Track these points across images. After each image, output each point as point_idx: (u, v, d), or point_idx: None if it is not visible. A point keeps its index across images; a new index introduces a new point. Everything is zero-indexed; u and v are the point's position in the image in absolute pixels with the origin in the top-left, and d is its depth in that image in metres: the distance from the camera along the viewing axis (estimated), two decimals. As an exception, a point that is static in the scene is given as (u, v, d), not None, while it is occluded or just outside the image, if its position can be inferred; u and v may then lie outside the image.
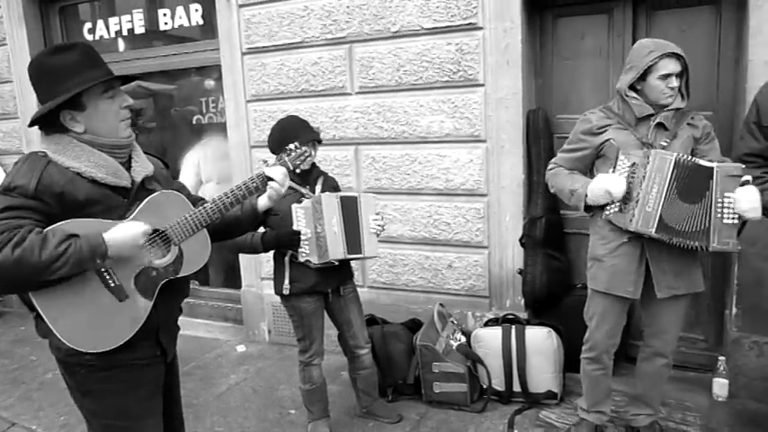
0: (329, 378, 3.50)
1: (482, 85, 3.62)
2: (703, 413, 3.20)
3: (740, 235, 2.45)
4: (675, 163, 2.37)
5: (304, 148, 2.23)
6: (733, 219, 2.36)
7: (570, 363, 3.27)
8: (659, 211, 2.40)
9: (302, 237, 2.82)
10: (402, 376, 3.55)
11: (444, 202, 3.85)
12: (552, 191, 2.79)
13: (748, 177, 2.36)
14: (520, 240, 3.66)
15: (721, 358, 3.34)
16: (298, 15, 4.06)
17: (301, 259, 2.86)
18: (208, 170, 4.93)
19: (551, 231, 3.63)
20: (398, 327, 3.66)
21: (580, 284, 3.60)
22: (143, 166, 1.95)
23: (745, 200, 2.32)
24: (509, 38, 3.52)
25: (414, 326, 3.67)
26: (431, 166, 3.84)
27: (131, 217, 1.83)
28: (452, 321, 3.69)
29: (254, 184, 2.06)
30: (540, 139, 3.62)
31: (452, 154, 3.77)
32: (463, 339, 3.54)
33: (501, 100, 3.58)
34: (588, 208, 2.60)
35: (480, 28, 3.58)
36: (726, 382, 3.30)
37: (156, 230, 1.86)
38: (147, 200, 1.87)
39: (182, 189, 2.08)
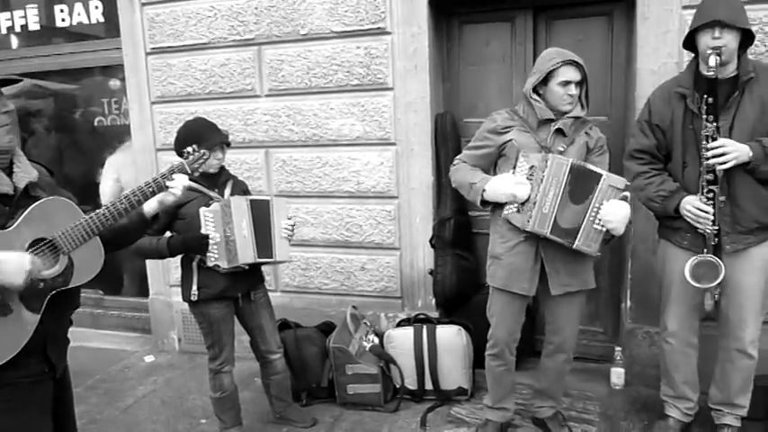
0: (242, 385, 3.45)
1: (391, 88, 3.68)
2: (602, 401, 3.38)
3: (608, 244, 2.60)
4: (571, 168, 2.50)
5: (202, 151, 2.19)
6: (601, 225, 2.49)
7: (480, 359, 3.35)
8: (554, 212, 2.52)
9: (211, 241, 2.76)
10: (316, 380, 3.54)
11: (356, 204, 3.88)
12: (454, 185, 2.86)
13: (627, 194, 2.51)
14: (430, 241, 3.74)
15: (618, 349, 3.54)
16: (204, 15, 3.97)
17: (210, 264, 2.80)
18: (128, 175, 4.71)
19: (460, 232, 3.73)
20: (312, 330, 3.64)
21: (487, 283, 3.70)
22: (26, 171, 1.84)
23: (611, 212, 2.46)
24: (417, 43, 3.58)
25: (327, 329, 3.67)
26: (342, 169, 3.86)
27: (15, 225, 1.73)
28: (365, 323, 3.71)
29: (151, 189, 1.99)
30: (448, 141, 3.71)
31: (363, 157, 3.80)
32: (376, 340, 3.57)
33: (410, 104, 3.65)
34: (485, 203, 2.68)
35: (389, 33, 3.63)
36: (622, 371, 3.50)
37: (42, 239, 1.77)
38: (31, 207, 1.77)
39: (71, 197, 1.98)
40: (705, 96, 2.48)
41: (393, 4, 3.60)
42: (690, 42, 2.61)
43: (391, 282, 3.89)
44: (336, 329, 3.53)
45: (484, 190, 2.64)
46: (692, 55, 2.65)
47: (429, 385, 3.44)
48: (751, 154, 2.46)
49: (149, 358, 4.38)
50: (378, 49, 3.67)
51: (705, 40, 2.48)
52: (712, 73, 2.43)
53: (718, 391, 2.86)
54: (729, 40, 2.45)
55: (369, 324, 3.73)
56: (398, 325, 3.58)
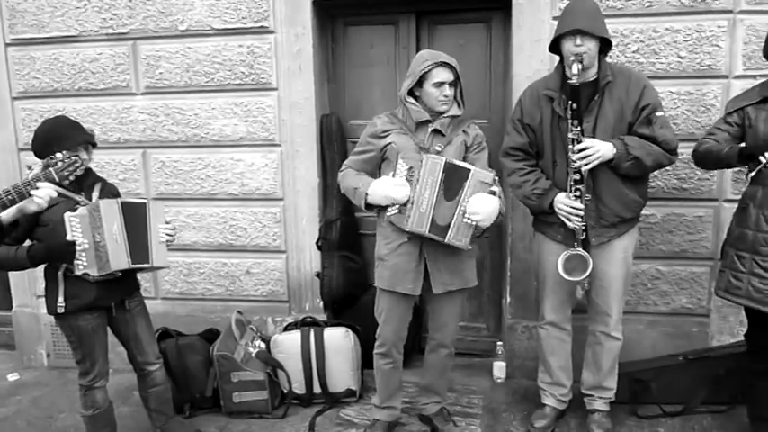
0: (120, 399, 3.26)
1: (275, 89, 3.61)
2: (486, 394, 3.50)
3: (480, 237, 2.69)
4: (445, 167, 2.55)
5: (73, 158, 2.03)
6: (470, 220, 2.57)
7: (368, 360, 3.37)
8: (432, 211, 2.57)
9: (78, 248, 2.57)
10: (200, 389, 3.40)
11: (240, 207, 3.78)
12: (342, 191, 2.87)
13: (495, 188, 2.60)
14: (316, 243, 3.71)
15: (499, 343, 3.69)
16: (72, 6, 3.72)
17: (78, 272, 2.60)
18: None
19: (347, 233, 3.73)
20: (194, 338, 3.50)
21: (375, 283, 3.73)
22: None
23: (478, 205, 2.53)
24: (301, 43, 3.55)
25: (211, 336, 3.53)
26: (225, 171, 3.74)
27: None
28: (251, 328, 3.62)
29: (10, 197, 1.82)
30: (334, 143, 3.70)
31: (247, 158, 3.71)
32: (263, 346, 3.49)
33: (294, 104, 3.60)
34: (369, 206, 2.70)
35: (272, 32, 3.57)
36: (503, 364, 3.65)
37: None
38: None
39: None
40: (570, 102, 2.64)
41: (276, 3, 3.54)
42: (555, 47, 2.76)
43: (278, 285, 3.82)
44: (221, 336, 3.41)
45: (367, 194, 2.66)
46: (559, 59, 2.81)
47: (317, 389, 3.41)
48: (614, 151, 2.65)
49: (13, 376, 4.02)
50: (261, 49, 3.59)
51: (568, 47, 2.63)
52: (575, 80, 2.59)
53: (590, 374, 3.06)
54: (590, 47, 2.62)
55: (255, 329, 3.63)
56: (285, 329, 3.53)
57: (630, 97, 2.70)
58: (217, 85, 3.66)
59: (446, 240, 2.58)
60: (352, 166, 2.82)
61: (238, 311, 3.63)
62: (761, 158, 2.48)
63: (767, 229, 2.57)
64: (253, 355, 3.41)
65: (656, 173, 3.26)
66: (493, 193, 2.59)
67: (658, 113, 2.71)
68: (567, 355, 3.08)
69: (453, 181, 2.57)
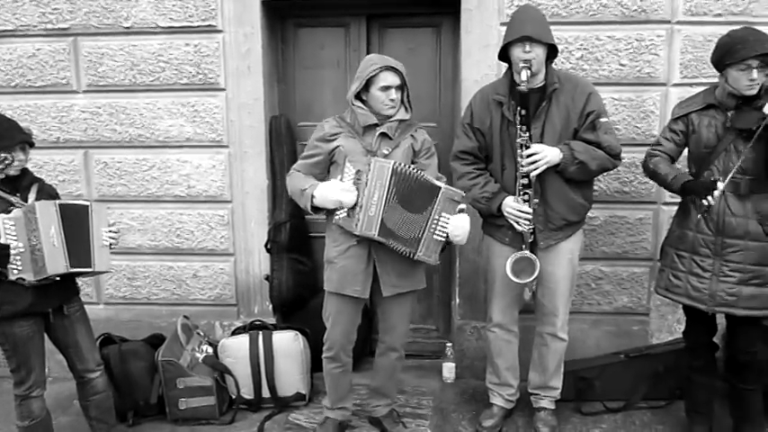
0: (60, 409, 3.14)
1: (223, 89, 3.56)
2: (435, 395, 3.52)
3: (443, 252, 2.74)
4: (393, 171, 2.56)
5: (3, 156, 1.95)
6: (441, 236, 2.64)
7: (318, 363, 3.34)
8: (381, 215, 2.58)
9: (12, 251, 2.46)
10: (144, 397, 3.31)
11: (187, 209, 3.70)
12: (289, 194, 2.85)
13: (464, 206, 2.66)
14: (266, 246, 3.67)
15: (449, 344, 3.72)
16: None
17: (12, 277, 2.49)
18: None
19: (296, 236, 3.70)
20: (139, 344, 3.40)
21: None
22: None
23: (458, 225, 2.63)
24: (250, 43, 3.50)
25: (157, 341, 3.44)
26: (171, 172, 3.66)
27: None
28: (199, 333, 3.54)
29: None
30: (283, 144, 3.66)
31: (194, 159, 3.64)
32: (210, 351, 3.42)
33: (243, 105, 3.55)
34: (315, 209, 2.69)
35: (220, 31, 3.52)
36: (453, 365, 3.68)
37: None
38: None
39: None
40: (519, 108, 2.69)
41: (224, 2, 3.49)
42: (504, 54, 2.81)
43: (226, 289, 3.76)
44: (166, 341, 3.32)
45: (313, 196, 2.65)
46: (508, 66, 2.86)
47: (266, 393, 3.36)
48: (561, 156, 2.71)
49: (-57, 387, 3.82)
50: (209, 48, 3.53)
51: (517, 53, 2.68)
52: (524, 87, 2.63)
53: (537, 375, 3.12)
54: (538, 54, 2.67)
55: (202, 334, 3.56)
56: (234, 333, 3.47)
57: (576, 104, 2.77)
58: (162, 84, 3.58)
59: (416, 256, 2.64)
60: (301, 169, 2.81)
61: (185, 316, 3.55)
62: (704, 201, 2.55)
63: (707, 230, 2.68)
64: (200, 360, 3.34)
65: (599, 176, 3.36)
66: (462, 210, 2.65)
67: (602, 119, 2.80)
68: (514, 356, 3.14)
69: (418, 192, 2.61)
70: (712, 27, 3.30)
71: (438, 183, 2.65)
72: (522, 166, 2.71)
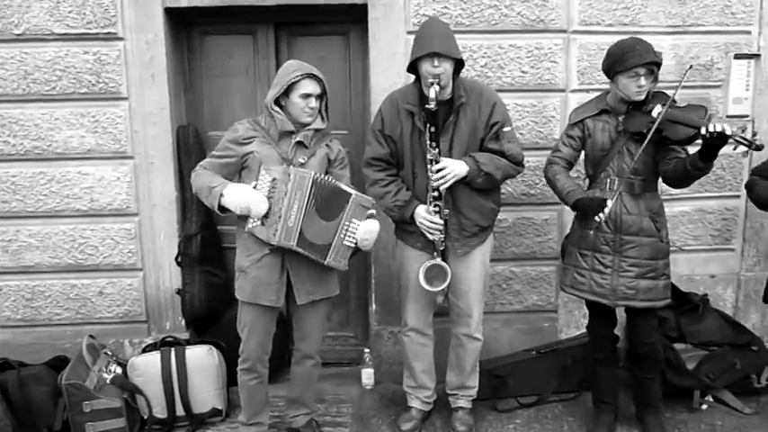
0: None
1: (126, 98, 3.43)
2: (355, 402, 3.53)
3: (352, 258, 2.76)
4: (313, 181, 2.56)
5: None
6: (351, 243, 2.65)
7: (234, 376, 3.28)
8: (300, 225, 2.57)
9: None
10: (47, 424, 3.11)
11: (90, 224, 3.53)
12: (194, 191, 2.78)
13: (373, 211, 2.69)
14: (176, 259, 3.56)
15: (367, 350, 3.73)
16: None
17: None
18: None
19: (208, 248, 3.61)
20: (40, 368, 3.20)
21: (240, 298, 3.65)
22: None
23: (365, 230, 2.64)
24: (153, 51, 3.40)
25: (60, 364, 3.25)
26: (72, 186, 3.49)
27: None
28: (106, 353, 3.38)
29: None
30: (192, 155, 3.56)
31: (96, 172, 3.48)
32: (119, 370, 3.27)
33: (148, 115, 3.44)
34: (222, 209, 2.63)
35: (121, 38, 3.39)
36: (371, 371, 3.69)
37: None
38: None
39: None
40: (428, 125, 2.74)
41: (125, 8, 3.36)
42: (412, 66, 2.85)
43: (135, 305, 3.62)
44: (70, 364, 3.14)
45: (222, 195, 2.59)
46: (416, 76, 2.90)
47: (181, 411, 3.25)
48: (467, 169, 2.79)
49: None
50: (109, 56, 3.40)
51: (426, 68, 2.73)
52: (433, 104, 2.67)
53: (454, 376, 3.19)
54: (446, 68, 2.73)
55: (110, 353, 3.40)
56: (144, 351, 3.34)
57: (482, 114, 2.87)
58: (60, 93, 3.41)
59: (326, 262, 2.64)
60: (208, 167, 2.74)
61: (90, 335, 3.39)
62: (596, 218, 2.69)
63: (606, 230, 2.84)
64: (107, 381, 3.19)
65: (507, 180, 3.49)
66: (372, 215, 2.68)
67: (506, 129, 2.90)
68: (430, 359, 3.19)
69: (331, 200, 2.61)
70: (605, 36, 3.49)
71: (349, 189, 2.67)
72: (433, 180, 2.78)
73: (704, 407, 3.37)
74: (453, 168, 2.77)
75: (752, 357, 3.42)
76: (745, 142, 2.55)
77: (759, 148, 2.57)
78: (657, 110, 2.69)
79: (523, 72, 3.53)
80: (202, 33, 3.69)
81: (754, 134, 2.59)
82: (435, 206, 2.83)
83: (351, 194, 2.63)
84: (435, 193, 2.81)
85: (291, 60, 2.85)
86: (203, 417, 3.28)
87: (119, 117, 3.44)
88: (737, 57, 3.63)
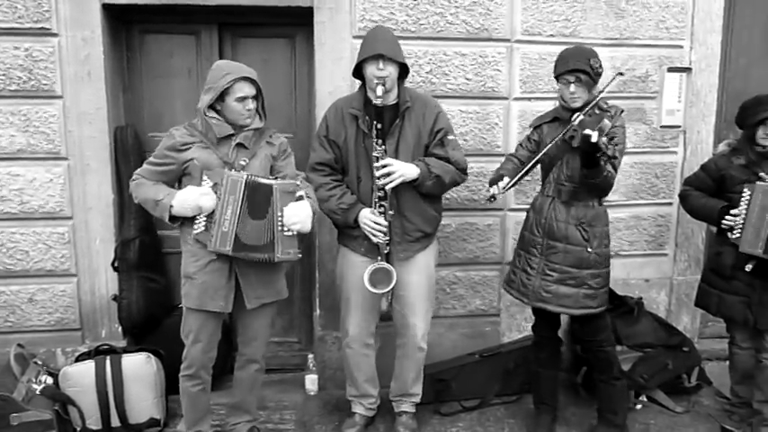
0: None
1: (60, 96, 3.30)
2: (298, 408, 3.49)
3: (302, 243, 2.73)
4: (246, 184, 2.52)
5: None
6: (290, 231, 2.59)
7: (174, 385, 3.19)
8: (234, 230, 2.52)
9: None
10: (-29, 438, 2.96)
11: (20, 227, 3.37)
12: (136, 201, 2.71)
13: (301, 193, 2.64)
14: (112, 264, 3.44)
15: (310, 356, 3.70)
16: None
17: None
18: None
19: (147, 253, 3.50)
20: (-37, 380, 3.05)
21: (180, 304, 3.54)
22: None
23: (292, 215, 2.57)
24: (89, 48, 3.28)
25: (-15, 375, 3.11)
26: (0, 187, 3.32)
27: None
28: (36, 362, 3.23)
29: None
30: (131, 156, 3.46)
31: (27, 173, 3.33)
32: (50, 381, 3.13)
33: (83, 114, 3.32)
34: (173, 219, 2.58)
35: (55, 34, 3.26)
36: (315, 377, 3.66)
37: None
38: None
39: None
40: (375, 122, 2.75)
41: (60, 3, 3.23)
42: (358, 71, 2.87)
43: (68, 312, 3.47)
44: (-4, 375, 3.01)
45: (171, 205, 2.53)
46: (361, 82, 2.91)
47: (116, 422, 3.13)
48: (418, 171, 2.81)
49: None
50: (42, 52, 3.26)
51: (371, 70, 2.75)
52: (380, 101, 2.71)
53: (399, 384, 3.19)
54: (391, 72, 2.76)
55: (41, 363, 3.25)
56: (78, 360, 3.20)
57: (427, 122, 2.90)
58: (-13, 90, 3.26)
59: (277, 259, 2.59)
60: (146, 176, 2.67)
61: (19, 345, 3.25)
62: (490, 190, 2.87)
63: (537, 233, 2.92)
64: (37, 392, 3.04)
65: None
66: (300, 197, 2.62)
67: (450, 137, 2.95)
68: (372, 367, 3.18)
69: (259, 199, 2.56)
70: (546, 46, 3.59)
71: (269, 181, 2.60)
72: (378, 178, 2.77)
73: (638, 406, 3.48)
74: (400, 169, 2.78)
75: (683, 358, 3.56)
76: (608, 152, 2.62)
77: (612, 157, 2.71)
78: (580, 118, 2.76)
79: (468, 79, 3.58)
80: (143, 32, 3.58)
81: (611, 138, 2.68)
82: (380, 207, 2.83)
83: (272, 185, 2.57)
84: (381, 193, 2.81)
85: (221, 61, 2.80)
86: (140, 427, 3.17)
87: (52, 116, 3.31)
88: (670, 70, 3.79)
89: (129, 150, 3.47)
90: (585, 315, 2.90)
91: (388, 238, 2.88)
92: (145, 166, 2.71)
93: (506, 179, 2.86)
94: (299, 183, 2.68)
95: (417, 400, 3.24)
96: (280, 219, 2.56)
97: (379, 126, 2.76)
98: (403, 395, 3.20)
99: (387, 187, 2.79)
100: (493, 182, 2.92)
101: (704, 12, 3.78)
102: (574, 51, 2.84)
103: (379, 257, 2.90)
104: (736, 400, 3.28)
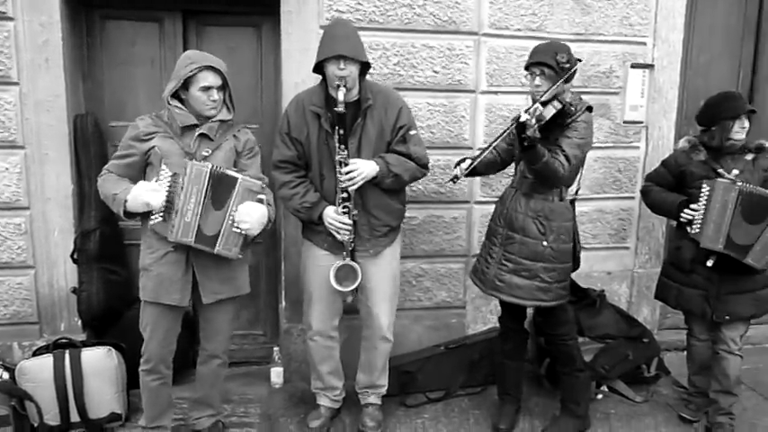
0: None
1: (16, 83, 3.20)
2: (263, 402, 3.46)
3: (248, 246, 2.70)
4: (211, 174, 2.48)
5: None
6: (239, 229, 2.55)
7: (136, 379, 3.14)
8: (197, 221, 2.48)
9: None
10: None
11: (-26, 218, 3.27)
12: (101, 197, 2.65)
13: (262, 196, 2.61)
14: (72, 256, 3.36)
15: (276, 349, 3.67)
16: None
17: None
18: None
19: (107, 244, 3.42)
20: None
21: (142, 296, 3.50)
22: None
23: (245, 213, 2.53)
24: (48, 33, 3.18)
25: (-63, 370, 3.01)
26: (-47, 177, 3.22)
27: None
28: (-9, 357, 3.15)
29: None
30: (91, 146, 3.38)
31: (-18, 162, 3.23)
32: (5, 375, 3.05)
33: (41, 102, 3.22)
34: (129, 214, 2.53)
35: (11, 18, 3.15)
36: (281, 369, 3.64)
37: None
38: None
39: None
40: (336, 128, 2.72)
41: (16, -14, 3.14)
42: (318, 66, 2.83)
43: (25, 305, 3.38)
44: (-52, 370, 2.92)
45: (126, 200, 2.48)
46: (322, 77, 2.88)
47: (75, 417, 3.06)
48: (378, 169, 2.80)
49: None
50: (-3, 37, 3.16)
51: (332, 70, 2.72)
52: (341, 108, 2.66)
53: (365, 376, 3.20)
54: (352, 71, 2.74)
55: (-4, 357, 3.18)
56: (35, 354, 3.12)
57: (389, 118, 2.89)
58: (-62, 75, 3.14)
59: (215, 251, 2.54)
60: (114, 170, 2.61)
61: (-27, 338, 3.15)
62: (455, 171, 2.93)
63: (499, 222, 2.97)
64: (-8, 387, 2.97)
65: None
66: (261, 200, 2.59)
67: (412, 132, 2.95)
68: (336, 360, 3.17)
69: (221, 190, 2.52)
70: (513, 40, 3.61)
71: (236, 174, 2.57)
72: (342, 181, 2.77)
73: (600, 396, 3.55)
74: (362, 170, 2.77)
75: (643, 349, 3.64)
76: (528, 132, 2.61)
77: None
78: (534, 106, 2.76)
79: (435, 72, 3.58)
80: (104, 18, 3.49)
81: (540, 121, 2.67)
82: (344, 207, 2.82)
83: (237, 179, 2.54)
84: (344, 194, 2.80)
85: (188, 51, 2.76)
86: (101, 422, 3.11)
87: (8, 103, 3.20)
88: (634, 66, 3.85)
89: (89, 140, 3.38)
90: (542, 308, 2.94)
91: (352, 236, 2.87)
92: (111, 160, 2.66)
93: (468, 161, 2.89)
94: (264, 185, 2.66)
95: (384, 391, 3.24)
96: (233, 213, 2.53)
97: (341, 132, 2.73)
98: (369, 387, 3.21)
99: (350, 189, 2.79)
100: (457, 164, 2.95)
101: (667, 9, 3.85)
102: (544, 45, 2.87)
103: (345, 254, 2.90)
104: (693, 389, 3.38)
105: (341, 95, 2.66)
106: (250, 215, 2.52)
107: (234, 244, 2.56)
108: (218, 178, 2.51)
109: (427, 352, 3.64)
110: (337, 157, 2.75)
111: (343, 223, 2.82)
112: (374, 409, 3.21)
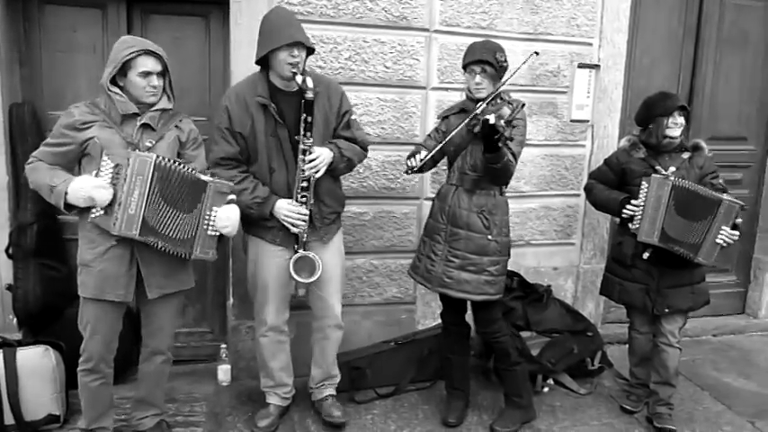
0: None
1: (-54, 69, 3.04)
2: (209, 400, 3.39)
3: (219, 245, 2.66)
4: (156, 165, 2.40)
5: None
6: (215, 231, 2.55)
7: (76, 379, 3.02)
8: (142, 213, 2.40)
9: None
10: None
11: None
12: (32, 186, 2.53)
13: (233, 197, 2.60)
14: (6, 251, 3.21)
15: (223, 346, 3.61)
16: None
17: None
18: None
19: (46, 239, 3.29)
20: None
21: (83, 293, 3.37)
22: None
23: (224, 217, 2.54)
24: (-19, 17, 3.04)
25: None
26: None
27: None
28: None
29: None
30: (28, 136, 3.24)
31: None
32: (-66, 377, 2.90)
33: (-27, 89, 3.07)
34: (69, 207, 2.43)
35: (-60, 0, 2.99)
36: (228, 367, 3.57)
37: None
38: None
39: None
40: (305, 115, 2.68)
41: (-54, -34, 2.98)
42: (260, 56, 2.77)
43: (-45, 303, 3.23)
44: None
45: (66, 193, 2.38)
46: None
47: (10, 419, 2.93)
48: (332, 155, 2.80)
49: None
50: (-75, 19, 2.99)
51: (284, 57, 2.68)
52: (311, 95, 2.64)
53: (320, 370, 3.19)
54: (302, 57, 2.73)
55: (-77, 358, 3.00)
56: (-34, 354, 2.98)
57: (333, 105, 2.89)
58: None
59: (194, 256, 2.53)
60: (44, 158, 2.50)
61: None
62: (407, 163, 2.93)
63: (441, 220, 2.99)
64: None
65: (368, 174, 3.55)
66: (231, 201, 2.58)
67: (353, 117, 3.01)
68: (287, 355, 3.14)
69: (184, 190, 2.47)
70: (463, 38, 3.63)
71: (205, 177, 2.54)
72: (304, 170, 2.74)
73: (546, 389, 3.62)
74: (324, 156, 2.77)
75: (587, 342, 3.73)
76: (505, 134, 2.66)
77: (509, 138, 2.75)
78: (482, 106, 2.80)
79: (387, 67, 3.58)
80: (43, 2, 3.34)
81: (510, 121, 2.70)
82: (303, 197, 2.80)
83: (207, 182, 2.52)
84: (305, 184, 2.78)
85: (125, 36, 2.68)
86: (37, 424, 2.98)
87: (-63, 90, 3.04)
88: (581, 66, 3.94)
89: (26, 129, 3.24)
90: (482, 304, 2.98)
91: (306, 226, 2.84)
92: (41, 147, 2.54)
93: (423, 152, 2.91)
94: (233, 185, 2.63)
95: (338, 380, 3.25)
96: (208, 217, 2.52)
97: (309, 119, 2.69)
98: (325, 379, 3.20)
99: (315, 176, 2.77)
100: (409, 156, 2.95)
101: (612, 11, 3.95)
102: (482, 44, 2.91)
103: (297, 246, 2.87)
104: (634, 381, 3.48)
105: (310, 82, 2.64)
106: (230, 218, 2.56)
107: (210, 247, 2.57)
108: (178, 175, 2.46)
109: (377, 347, 3.63)
110: (302, 146, 2.73)
111: (301, 214, 2.80)
112: (334, 399, 3.20)
